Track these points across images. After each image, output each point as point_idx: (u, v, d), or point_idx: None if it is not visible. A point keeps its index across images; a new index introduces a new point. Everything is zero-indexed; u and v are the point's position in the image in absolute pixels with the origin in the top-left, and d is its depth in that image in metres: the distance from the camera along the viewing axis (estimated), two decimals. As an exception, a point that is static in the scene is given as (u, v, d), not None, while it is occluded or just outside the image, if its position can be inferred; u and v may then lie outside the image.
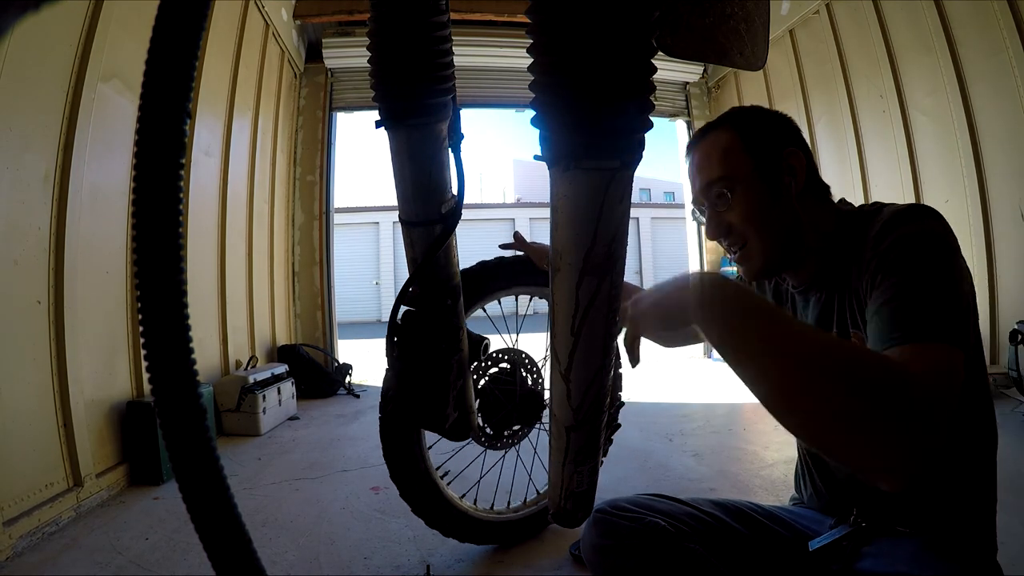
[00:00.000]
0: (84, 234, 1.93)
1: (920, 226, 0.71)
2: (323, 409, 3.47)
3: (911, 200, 3.19)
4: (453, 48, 0.75)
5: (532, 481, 1.59)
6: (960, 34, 3.01)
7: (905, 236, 0.70)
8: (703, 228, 0.88)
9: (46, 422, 1.74)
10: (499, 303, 1.44)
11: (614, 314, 0.60)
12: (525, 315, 1.58)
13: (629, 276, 0.85)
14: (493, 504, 1.51)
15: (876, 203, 0.82)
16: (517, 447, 1.47)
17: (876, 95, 3.59)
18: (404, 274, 0.97)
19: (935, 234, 0.70)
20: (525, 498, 1.57)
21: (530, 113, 0.52)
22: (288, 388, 3.22)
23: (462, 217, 0.87)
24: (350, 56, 4.68)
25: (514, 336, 1.49)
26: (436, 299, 0.95)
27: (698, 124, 5.62)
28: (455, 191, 0.87)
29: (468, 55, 4.81)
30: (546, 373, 1.30)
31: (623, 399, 1.59)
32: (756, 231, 0.81)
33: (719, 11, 0.74)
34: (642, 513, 0.90)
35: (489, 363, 1.36)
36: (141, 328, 0.32)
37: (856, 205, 0.87)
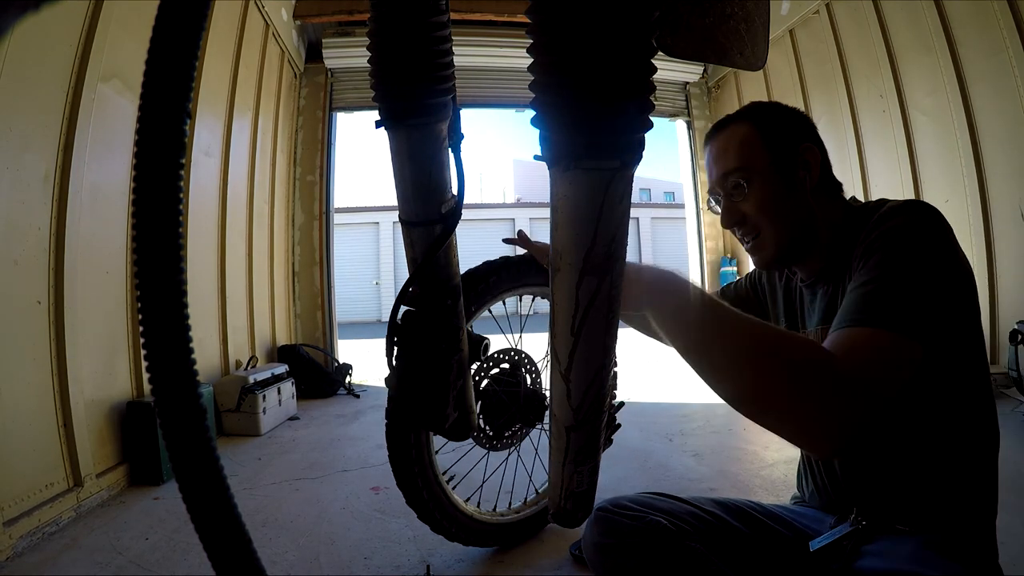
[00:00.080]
0: (84, 234, 1.93)
1: (907, 220, 0.73)
2: (323, 409, 3.47)
3: (911, 200, 3.19)
4: (453, 48, 0.75)
5: (532, 482, 1.59)
6: (960, 34, 3.01)
7: (890, 229, 0.73)
8: (719, 216, 0.91)
9: (46, 422, 1.74)
10: (503, 303, 1.43)
11: (614, 314, 0.60)
12: (528, 315, 1.58)
13: (630, 276, 0.86)
14: (496, 506, 1.51)
15: (882, 199, 0.83)
16: (518, 448, 1.47)
17: (876, 95, 3.60)
18: (404, 274, 0.97)
19: (919, 228, 0.72)
20: (525, 498, 1.57)
21: (530, 113, 0.52)
22: (288, 388, 3.22)
23: (462, 217, 0.87)
24: (350, 56, 4.68)
25: (517, 336, 1.48)
26: (436, 299, 0.95)
27: (698, 124, 5.63)
28: (455, 191, 0.86)
29: (468, 55, 4.82)
30: (546, 373, 1.30)
31: (623, 399, 1.59)
32: (770, 222, 0.84)
33: (719, 11, 0.74)
34: (644, 512, 0.90)
35: (490, 364, 1.35)
36: (141, 328, 0.32)
37: (863, 202, 0.88)
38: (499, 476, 1.59)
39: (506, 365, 1.38)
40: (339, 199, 8.97)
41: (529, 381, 1.40)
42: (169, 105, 0.30)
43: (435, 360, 0.98)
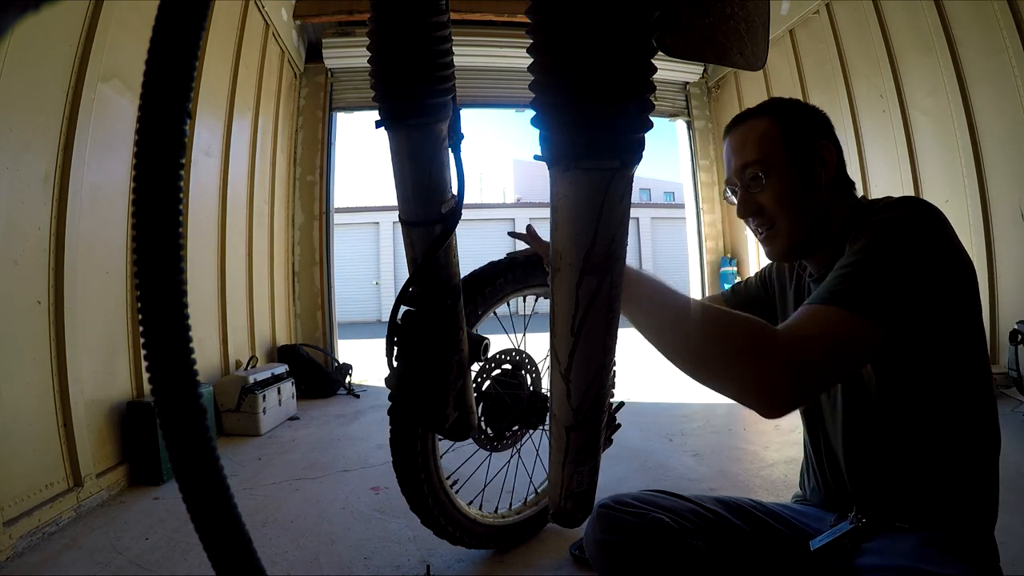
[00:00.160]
0: (84, 234, 1.93)
1: (902, 212, 0.76)
2: (323, 409, 3.47)
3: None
4: (453, 48, 0.75)
5: (532, 482, 1.59)
6: (960, 34, 3.01)
7: (883, 219, 0.76)
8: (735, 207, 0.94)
9: (46, 422, 1.74)
10: (508, 305, 1.42)
11: (614, 314, 0.60)
12: (531, 315, 1.57)
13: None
14: (497, 507, 1.51)
15: (887, 197, 0.85)
16: (519, 449, 1.46)
17: (876, 95, 3.59)
18: (404, 274, 0.97)
19: (911, 219, 0.75)
20: (525, 499, 1.57)
21: (530, 113, 0.52)
22: (288, 388, 3.22)
23: (462, 217, 0.87)
24: (350, 56, 4.68)
25: (520, 336, 1.47)
26: (436, 299, 0.95)
27: (698, 124, 5.63)
28: (455, 191, 0.86)
29: (468, 55, 4.82)
30: (547, 374, 1.30)
31: (623, 399, 1.58)
32: (786, 214, 0.86)
33: (719, 11, 0.74)
34: (646, 509, 0.90)
35: (492, 365, 1.34)
36: (141, 328, 0.32)
37: (872, 200, 0.90)
38: (499, 476, 1.59)
39: (508, 366, 1.37)
40: (339, 199, 8.98)
41: (530, 381, 1.40)
42: (169, 105, 0.30)
43: (435, 360, 0.98)
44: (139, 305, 0.31)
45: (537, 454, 1.56)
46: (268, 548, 1.50)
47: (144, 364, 0.32)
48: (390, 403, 1.23)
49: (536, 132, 0.52)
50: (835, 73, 3.89)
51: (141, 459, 2.06)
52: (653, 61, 0.49)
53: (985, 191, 3.01)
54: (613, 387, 1.56)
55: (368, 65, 0.75)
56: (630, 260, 0.65)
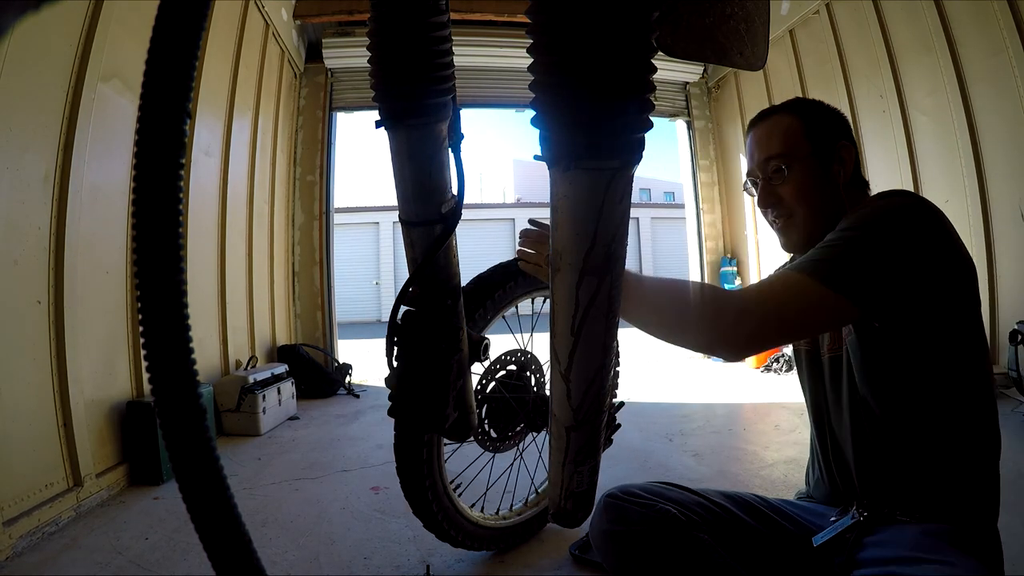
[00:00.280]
0: (84, 234, 1.93)
1: (888, 201, 0.81)
2: (323, 409, 3.47)
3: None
4: (453, 48, 0.75)
5: (533, 482, 1.59)
6: (960, 34, 3.01)
7: (876, 206, 0.81)
8: (754, 199, 0.99)
9: (46, 422, 1.73)
10: (516, 307, 1.40)
11: (614, 314, 0.60)
12: (539, 314, 1.56)
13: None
14: (498, 508, 1.50)
15: (890, 190, 0.88)
16: (522, 452, 1.46)
17: (876, 95, 3.59)
18: (404, 274, 0.97)
19: (895, 207, 0.79)
20: (527, 499, 1.57)
21: (530, 113, 0.52)
22: (288, 388, 3.22)
23: (462, 217, 0.87)
24: (350, 56, 4.68)
25: (527, 336, 1.46)
26: (436, 299, 0.95)
27: (698, 124, 5.63)
28: (455, 191, 0.86)
29: (468, 55, 4.82)
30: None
31: (623, 399, 1.58)
32: (804, 207, 0.90)
33: (719, 11, 0.74)
34: (653, 500, 0.90)
35: (497, 366, 1.33)
36: (141, 328, 0.32)
37: None
38: (498, 475, 1.58)
39: (514, 367, 1.36)
40: (339, 199, 8.98)
41: (535, 383, 1.39)
42: (169, 105, 0.30)
43: (435, 360, 0.98)
44: (139, 305, 0.31)
45: (539, 455, 1.56)
46: (268, 548, 1.50)
47: (144, 364, 0.32)
48: (390, 403, 1.23)
49: (536, 132, 0.52)
50: (835, 73, 3.89)
51: (141, 459, 2.06)
52: (653, 61, 0.49)
53: (985, 191, 3.00)
54: (616, 388, 1.56)
55: (368, 65, 0.75)
56: (630, 260, 0.66)
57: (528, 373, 1.37)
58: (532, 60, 0.50)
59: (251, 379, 2.88)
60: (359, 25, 4.53)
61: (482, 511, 1.44)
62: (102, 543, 1.56)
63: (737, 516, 0.93)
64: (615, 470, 2.01)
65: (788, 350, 4.24)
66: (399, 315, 0.96)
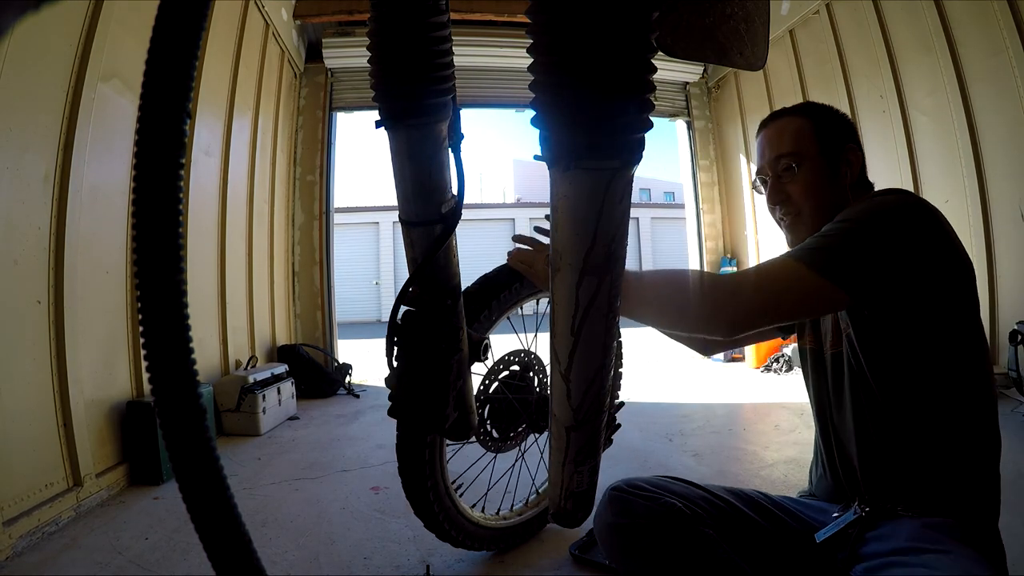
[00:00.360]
0: (84, 234, 1.93)
1: (885, 197, 0.84)
2: (323, 409, 3.47)
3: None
4: (453, 48, 0.75)
5: (534, 482, 1.59)
6: (960, 34, 3.01)
7: (873, 202, 0.84)
8: (764, 197, 1.02)
9: (46, 422, 1.73)
10: (521, 308, 1.39)
11: (614, 314, 0.60)
12: (542, 316, 1.55)
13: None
14: (499, 508, 1.50)
15: (888, 188, 0.91)
16: (523, 452, 1.46)
17: (876, 95, 3.60)
18: (404, 274, 0.97)
19: (891, 203, 0.82)
20: (527, 499, 1.57)
21: (530, 113, 0.52)
22: (288, 388, 3.22)
23: (462, 217, 0.87)
24: (350, 56, 4.68)
25: (531, 336, 1.45)
26: (436, 299, 0.95)
27: (698, 124, 5.63)
28: (455, 191, 0.86)
29: (468, 55, 4.82)
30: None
31: (623, 399, 1.58)
32: (812, 204, 0.93)
33: (719, 11, 0.74)
34: (658, 493, 0.91)
35: (500, 367, 1.32)
36: (141, 328, 0.32)
37: None
38: (498, 476, 1.58)
39: (517, 368, 1.36)
40: (339, 199, 8.97)
41: (537, 383, 1.39)
42: (169, 105, 0.30)
43: (435, 360, 0.98)
44: (139, 305, 0.31)
45: (541, 455, 1.56)
46: (268, 548, 1.50)
47: (144, 364, 0.32)
48: (390, 403, 1.22)
49: (536, 132, 0.52)
50: (835, 73, 3.89)
51: (141, 459, 2.06)
52: (653, 61, 0.49)
53: (985, 191, 3.00)
54: (619, 389, 1.56)
55: (368, 65, 0.75)
56: (630, 260, 0.67)
57: (531, 374, 1.37)
58: (532, 60, 0.50)
59: (251, 379, 2.88)
60: (359, 25, 4.53)
61: (483, 511, 1.44)
62: (102, 543, 1.56)
63: (741, 511, 0.93)
64: (615, 470, 2.01)
65: (788, 350, 4.24)
66: (399, 315, 0.96)
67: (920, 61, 3.26)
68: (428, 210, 0.85)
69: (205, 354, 2.96)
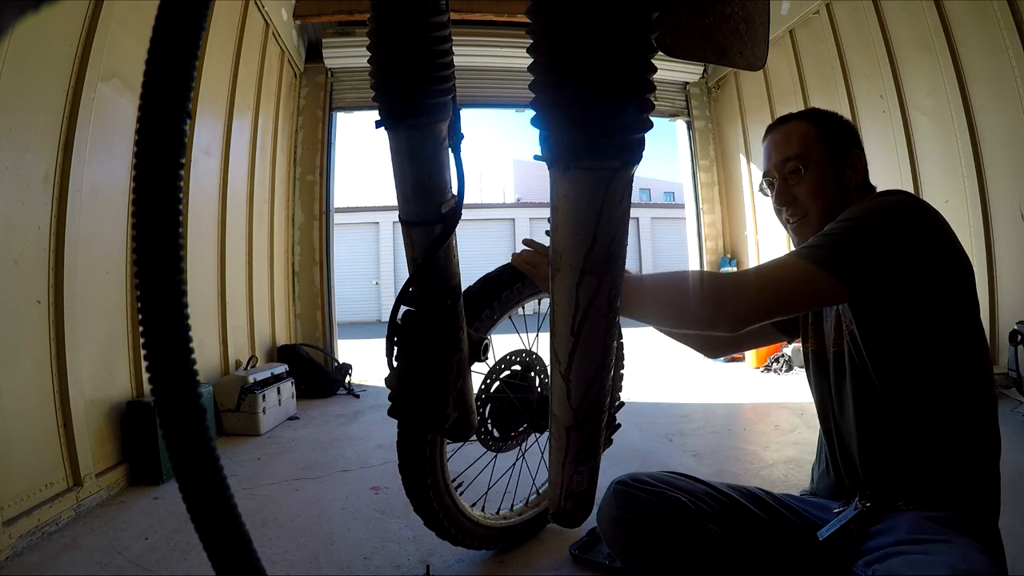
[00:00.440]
0: (84, 234, 1.93)
1: (887, 198, 0.87)
2: (323, 409, 3.47)
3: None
4: (453, 48, 0.75)
5: (534, 482, 1.59)
6: (960, 34, 3.01)
7: (874, 203, 0.86)
8: (770, 199, 1.06)
9: (46, 422, 1.73)
10: (523, 307, 1.39)
11: (614, 314, 0.60)
12: (544, 316, 1.55)
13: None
14: (499, 508, 1.50)
15: (890, 189, 0.94)
16: (524, 452, 1.46)
17: (876, 95, 3.59)
18: (404, 274, 0.97)
19: (892, 203, 0.85)
20: (527, 499, 1.57)
21: (530, 113, 0.52)
22: (288, 388, 3.22)
23: (462, 217, 0.87)
24: (350, 56, 4.68)
25: (533, 335, 1.45)
26: (436, 299, 0.95)
27: (698, 124, 5.63)
28: (455, 191, 0.86)
29: (468, 55, 4.81)
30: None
31: (623, 399, 1.58)
32: (819, 206, 0.96)
33: (719, 11, 0.74)
34: (663, 488, 0.91)
35: (502, 366, 1.33)
36: (141, 328, 0.32)
37: None
38: (499, 475, 1.58)
39: (519, 368, 1.36)
40: (339, 199, 8.97)
41: (539, 383, 1.38)
42: (169, 105, 0.30)
43: (435, 360, 0.98)
44: (139, 305, 0.31)
45: (542, 455, 1.56)
46: (268, 548, 1.50)
47: (144, 364, 0.32)
48: (390, 403, 1.22)
49: (536, 132, 0.52)
50: (835, 73, 3.89)
51: (141, 459, 2.05)
52: (653, 61, 0.49)
53: (985, 191, 3.00)
54: (620, 390, 1.56)
55: (368, 65, 0.75)
56: (630, 260, 0.67)
57: (533, 374, 1.37)
58: (532, 60, 0.50)
59: (251, 379, 2.88)
60: (359, 25, 4.53)
61: (483, 510, 1.44)
62: (102, 543, 1.56)
63: (745, 507, 0.94)
64: (615, 470, 2.00)
65: (788, 350, 4.24)
66: (399, 315, 0.96)
67: (920, 61, 3.26)
68: (428, 210, 0.85)
69: (205, 354, 2.96)
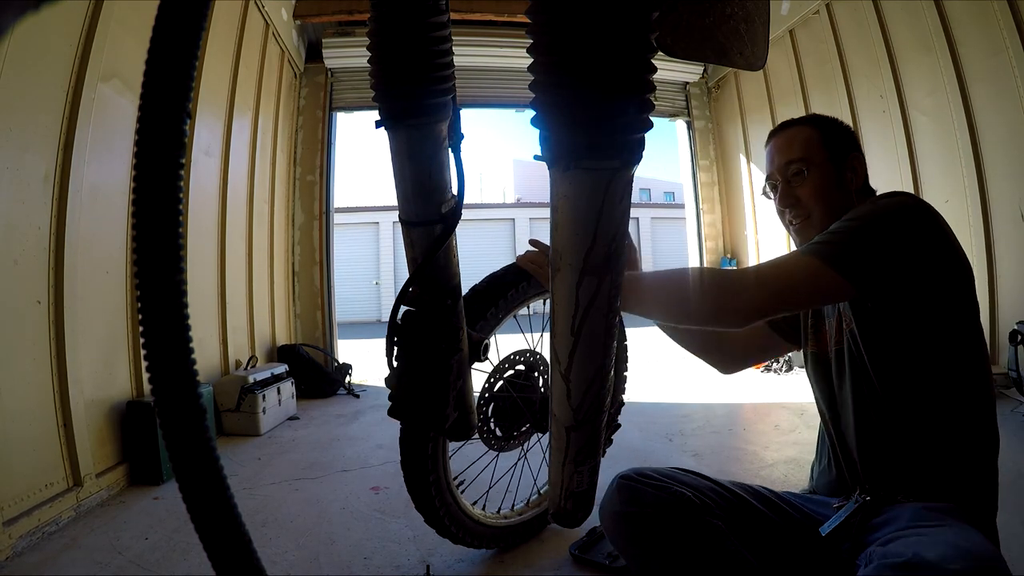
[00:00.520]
0: (84, 234, 1.93)
1: (889, 199, 0.89)
2: (323, 409, 3.47)
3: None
4: (453, 48, 0.75)
5: (536, 482, 1.59)
6: (960, 34, 3.01)
7: (877, 204, 0.89)
8: (773, 202, 1.08)
9: (46, 422, 1.73)
10: (528, 307, 1.40)
11: (614, 314, 0.60)
12: (549, 316, 1.54)
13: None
14: (500, 507, 1.50)
15: (893, 191, 0.95)
16: (526, 451, 1.46)
17: (876, 95, 3.59)
18: (404, 274, 0.97)
19: (895, 204, 0.87)
20: (528, 499, 1.57)
21: (530, 113, 0.52)
22: (288, 388, 3.22)
23: (462, 217, 0.87)
24: (350, 56, 4.67)
25: (535, 336, 1.45)
26: (436, 299, 0.95)
27: (698, 124, 5.63)
28: (455, 191, 0.86)
29: (468, 55, 4.81)
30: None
31: (623, 399, 1.58)
32: (821, 207, 0.99)
33: (719, 11, 0.74)
34: (668, 483, 0.92)
35: (505, 365, 1.33)
36: (141, 328, 0.32)
37: None
38: (501, 474, 1.58)
39: (522, 367, 1.36)
40: (339, 199, 8.97)
41: (542, 384, 1.38)
42: (169, 105, 0.30)
43: (435, 360, 0.98)
44: (139, 305, 0.31)
45: (544, 455, 1.56)
46: (268, 548, 1.50)
47: (144, 364, 0.32)
48: (390, 403, 1.22)
49: (536, 132, 0.52)
50: (835, 73, 3.88)
51: (141, 459, 2.05)
52: (653, 61, 0.49)
53: (985, 191, 3.00)
54: (623, 392, 1.56)
55: (368, 65, 0.75)
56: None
57: (536, 374, 1.37)
58: (532, 60, 0.50)
59: (251, 379, 2.88)
60: (359, 25, 4.53)
61: (483, 509, 1.44)
62: (102, 543, 1.56)
63: (749, 503, 0.94)
64: (615, 470, 1.99)
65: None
66: (399, 315, 0.96)
67: (920, 61, 3.25)
68: (428, 210, 0.85)
69: (205, 354, 2.96)
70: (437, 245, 0.87)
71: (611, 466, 1.70)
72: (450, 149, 0.82)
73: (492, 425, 1.32)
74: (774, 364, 4.31)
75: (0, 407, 1.55)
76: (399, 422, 1.20)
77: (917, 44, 3.25)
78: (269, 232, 4.08)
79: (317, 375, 3.92)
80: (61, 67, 1.84)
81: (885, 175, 3.57)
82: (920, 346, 0.85)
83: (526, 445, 1.44)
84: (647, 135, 0.52)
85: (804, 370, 1.11)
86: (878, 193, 1.00)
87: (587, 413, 0.66)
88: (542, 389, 1.37)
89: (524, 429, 1.37)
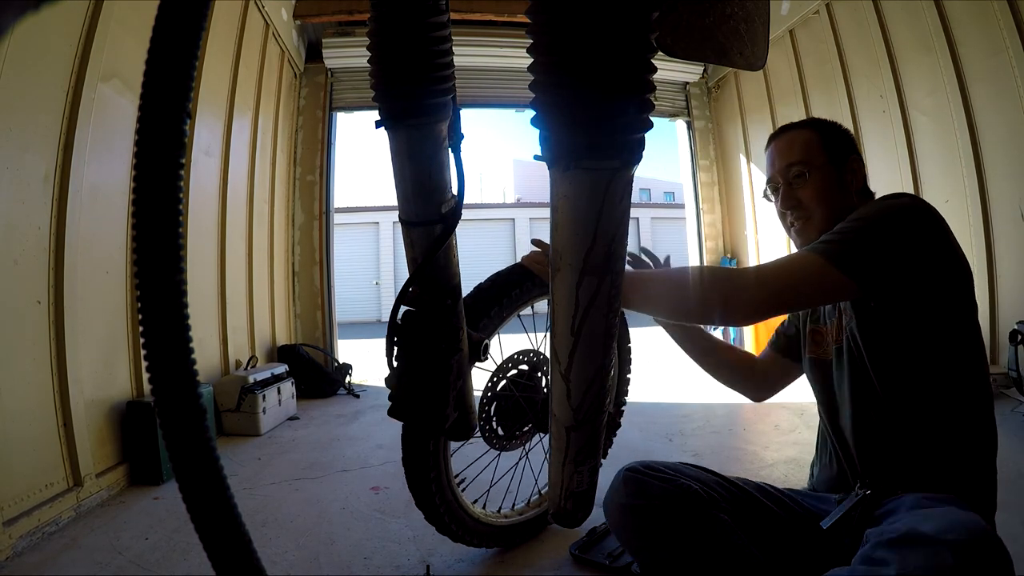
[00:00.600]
0: (84, 234, 1.93)
1: (892, 202, 0.90)
2: (323, 409, 3.47)
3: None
4: (453, 48, 0.75)
5: (536, 482, 1.59)
6: (960, 34, 3.01)
7: (880, 205, 0.90)
8: (774, 204, 1.10)
9: (46, 422, 1.73)
10: (532, 307, 1.39)
11: (614, 314, 0.60)
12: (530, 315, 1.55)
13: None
14: (500, 507, 1.50)
15: (895, 192, 0.97)
16: (528, 451, 1.46)
17: (876, 95, 3.59)
18: (404, 274, 0.97)
19: (898, 204, 0.88)
20: (529, 499, 1.57)
21: (530, 113, 0.52)
22: (288, 388, 3.22)
23: (462, 217, 0.87)
24: (350, 56, 4.68)
25: (538, 336, 1.45)
26: (436, 299, 0.95)
27: (698, 124, 5.63)
28: (455, 191, 0.86)
29: (468, 55, 4.81)
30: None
31: (625, 400, 1.58)
32: (822, 209, 1.00)
33: (719, 11, 0.74)
34: (674, 475, 0.92)
35: (508, 365, 1.33)
36: (141, 328, 0.32)
37: None
38: (506, 474, 1.58)
39: (525, 367, 1.36)
40: (339, 199, 8.97)
41: (545, 384, 1.38)
42: (169, 105, 0.30)
43: (435, 360, 0.98)
44: (139, 305, 0.31)
45: (545, 455, 1.56)
46: (268, 548, 1.50)
47: (144, 364, 0.32)
48: (390, 403, 1.22)
49: (536, 132, 0.52)
50: (835, 73, 3.88)
51: (141, 459, 2.05)
52: (653, 61, 0.49)
53: (985, 191, 3.00)
54: (626, 394, 1.56)
55: (368, 65, 0.75)
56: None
57: (539, 374, 1.37)
58: (532, 60, 0.50)
59: (251, 379, 2.88)
60: (359, 25, 4.53)
61: (484, 508, 1.44)
62: (102, 543, 1.56)
63: (755, 497, 0.95)
64: (615, 470, 2.01)
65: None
66: (399, 315, 0.96)
67: (920, 61, 3.25)
68: (428, 210, 0.85)
69: (205, 354, 2.96)
70: (437, 245, 0.87)
71: (612, 466, 1.70)
72: (450, 149, 0.82)
73: (494, 424, 1.32)
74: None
75: (0, 407, 1.55)
76: (399, 422, 1.21)
77: (917, 44, 3.25)
78: (269, 232, 4.08)
79: (317, 375, 3.92)
80: (61, 67, 1.84)
81: (885, 175, 3.57)
82: (919, 344, 0.86)
83: (528, 445, 1.44)
84: (647, 135, 0.52)
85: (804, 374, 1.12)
86: (878, 195, 1.01)
87: (587, 413, 0.66)
88: (545, 389, 1.37)
89: (526, 429, 1.37)
